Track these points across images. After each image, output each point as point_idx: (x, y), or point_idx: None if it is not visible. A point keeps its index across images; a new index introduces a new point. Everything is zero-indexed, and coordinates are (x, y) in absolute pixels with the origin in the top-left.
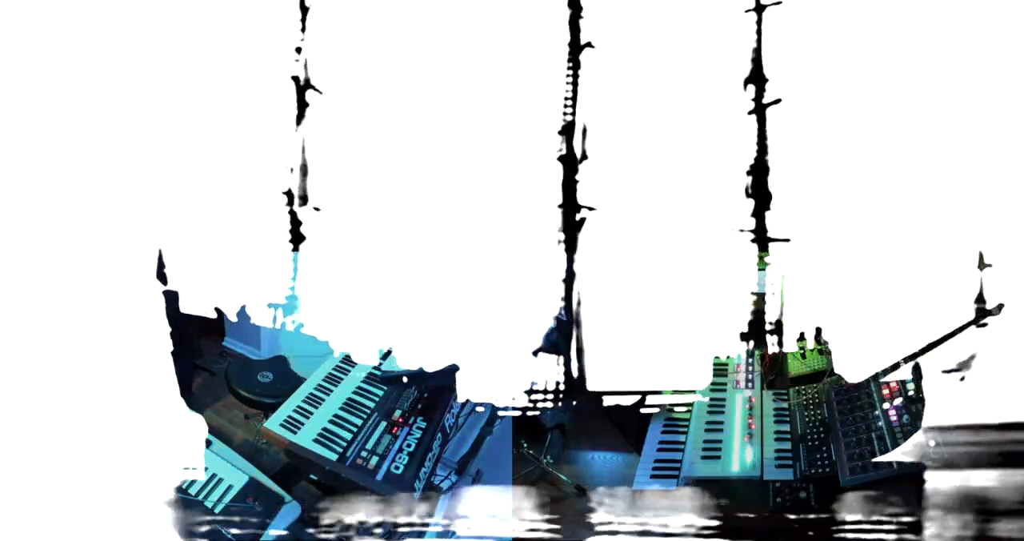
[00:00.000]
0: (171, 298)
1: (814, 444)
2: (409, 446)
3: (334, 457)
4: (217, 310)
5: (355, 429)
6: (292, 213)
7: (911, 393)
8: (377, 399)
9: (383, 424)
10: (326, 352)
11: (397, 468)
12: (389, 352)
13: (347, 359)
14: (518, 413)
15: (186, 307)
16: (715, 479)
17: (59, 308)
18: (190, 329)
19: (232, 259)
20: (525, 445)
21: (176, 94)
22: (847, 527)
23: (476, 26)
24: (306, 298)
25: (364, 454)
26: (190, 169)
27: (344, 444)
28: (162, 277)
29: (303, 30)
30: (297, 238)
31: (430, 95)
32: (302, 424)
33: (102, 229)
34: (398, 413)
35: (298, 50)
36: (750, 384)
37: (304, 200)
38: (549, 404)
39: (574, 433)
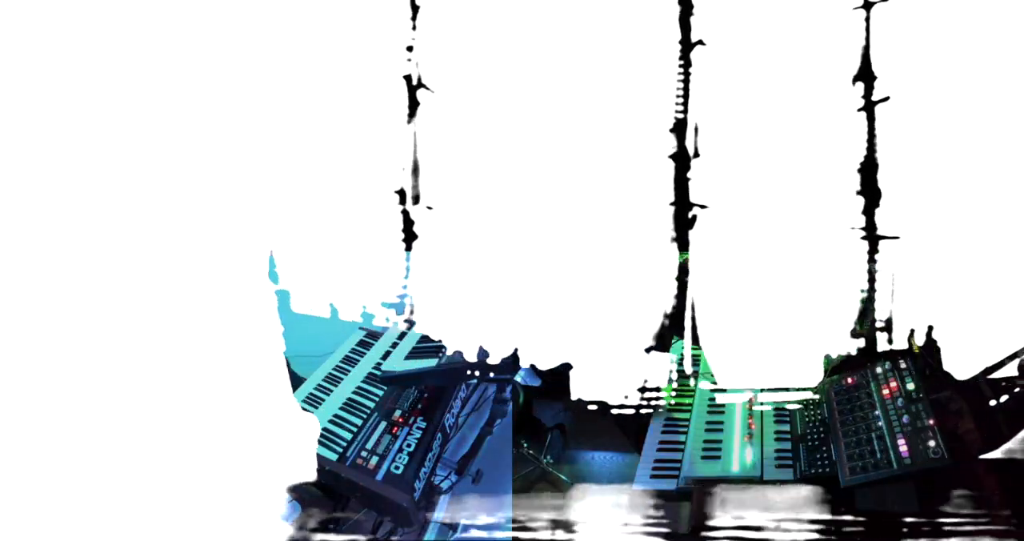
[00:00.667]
0: (283, 298)
1: (814, 444)
2: (409, 446)
3: (334, 457)
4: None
5: (355, 429)
6: (404, 212)
7: (911, 393)
8: (377, 399)
9: (383, 424)
10: (326, 352)
11: (397, 468)
12: (516, 357)
13: (347, 358)
14: (623, 411)
15: (298, 307)
16: (715, 479)
17: (170, 308)
18: None
19: (345, 259)
20: (525, 445)
21: (290, 94)
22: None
23: (587, 24)
24: (419, 297)
25: (364, 454)
26: (303, 168)
27: (344, 444)
28: (274, 277)
29: (414, 29)
30: (409, 237)
31: (541, 93)
32: None
33: (216, 228)
34: (398, 413)
35: (409, 49)
36: None
37: (416, 199)
38: (662, 402)
39: (574, 433)
